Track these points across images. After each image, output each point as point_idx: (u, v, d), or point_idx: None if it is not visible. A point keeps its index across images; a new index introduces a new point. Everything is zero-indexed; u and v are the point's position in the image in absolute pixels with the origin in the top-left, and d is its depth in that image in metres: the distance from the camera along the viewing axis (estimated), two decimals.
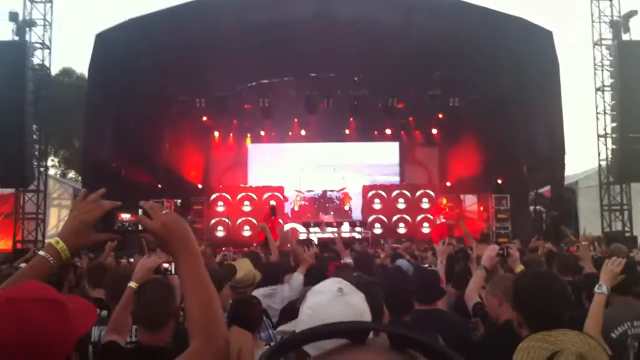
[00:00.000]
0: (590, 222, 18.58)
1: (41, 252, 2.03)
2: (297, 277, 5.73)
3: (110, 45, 17.41)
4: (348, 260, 7.02)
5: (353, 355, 0.83)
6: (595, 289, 3.74)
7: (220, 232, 22.20)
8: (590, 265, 5.72)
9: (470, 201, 24.09)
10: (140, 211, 1.87)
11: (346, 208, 22.93)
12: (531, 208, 21.02)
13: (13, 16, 17.87)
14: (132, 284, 3.52)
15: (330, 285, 1.94)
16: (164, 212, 1.85)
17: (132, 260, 9.74)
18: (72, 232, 2.03)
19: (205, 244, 9.59)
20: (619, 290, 4.17)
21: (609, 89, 18.79)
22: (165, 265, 3.83)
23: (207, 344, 1.74)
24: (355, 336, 0.85)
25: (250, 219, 22.31)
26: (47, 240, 14.54)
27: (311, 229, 20.50)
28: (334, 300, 1.87)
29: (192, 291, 1.80)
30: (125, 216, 1.99)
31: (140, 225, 1.89)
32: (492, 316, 4.10)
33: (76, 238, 2.04)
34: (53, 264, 2.00)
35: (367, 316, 1.94)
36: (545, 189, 20.25)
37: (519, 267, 4.92)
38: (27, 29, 18.18)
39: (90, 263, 6.04)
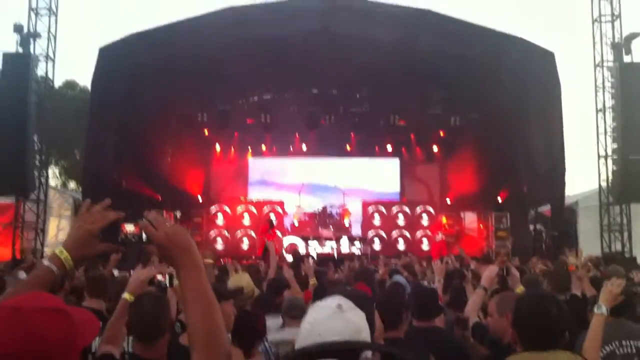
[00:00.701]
0: (589, 243, 18.55)
1: (45, 262, 2.03)
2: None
3: (114, 59, 17.49)
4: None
5: None
6: (595, 310, 3.73)
7: (219, 245, 22.14)
8: (588, 285, 5.70)
9: (470, 219, 24.05)
10: (144, 221, 1.86)
11: (346, 223, 22.89)
12: (531, 227, 20.99)
13: (18, 28, 17.96)
14: (126, 295, 3.52)
15: (330, 302, 1.95)
16: (167, 224, 1.85)
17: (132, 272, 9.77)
18: (77, 242, 2.05)
19: (212, 256, 9.58)
20: (613, 312, 4.18)
21: (610, 110, 18.82)
22: (160, 277, 3.83)
23: (208, 357, 1.73)
24: (346, 356, 0.85)
25: (249, 232, 22.32)
26: (49, 250, 14.57)
27: (310, 243, 20.46)
28: (333, 317, 1.88)
29: (193, 303, 1.78)
30: (130, 228, 2.01)
31: (144, 237, 1.90)
32: (496, 335, 4.09)
33: (80, 248, 2.06)
34: (57, 274, 2.01)
35: (365, 333, 1.93)
36: (546, 208, 20.23)
37: (520, 288, 4.92)
38: (32, 40, 18.26)
39: (89, 273, 6.02)
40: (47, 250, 18.91)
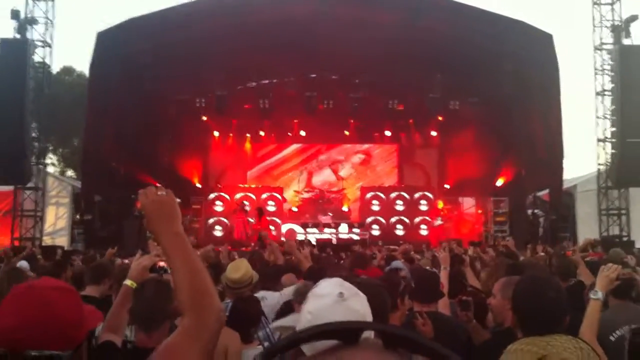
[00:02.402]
0: (588, 227, 18.60)
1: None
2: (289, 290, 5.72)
3: (111, 44, 17.41)
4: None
5: (344, 354, 0.82)
6: (591, 295, 3.73)
7: (218, 232, 22.18)
8: (585, 270, 5.71)
9: (468, 204, 24.07)
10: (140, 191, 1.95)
11: (344, 209, 22.92)
12: (529, 211, 21.01)
13: (15, 14, 17.90)
14: (128, 282, 3.50)
15: (331, 289, 1.91)
16: (159, 193, 1.92)
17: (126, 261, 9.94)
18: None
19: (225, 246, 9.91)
20: (616, 294, 4.18)
21: (609, 93, 18.79)
22: (162, 263, 3.82)
23: (197, 319, 1.73)
24: (347, 336, 0.84)
25: (248, 219, 22.37)
26: (48, 238, 14.85)
27: (309, 230, 20.50)
28: (335, 306, 1.85)
29: (178, 266, 1.81)
30: None
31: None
32: (498, 317, 4.08)
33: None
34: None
35: (368, 319, 1.93)
36: (544, 193, 20.24)
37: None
38: (29, 26, 18.19)
39: (90, 261, 6.09)
40: (45, 239, 18.94)
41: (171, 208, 1.90)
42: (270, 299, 5.45)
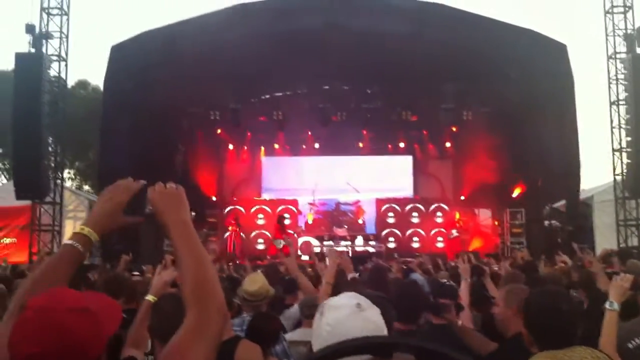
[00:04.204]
0: (605, 238, 18.46)
1: (67, 241, 2.07)
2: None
3: (126, 57, 17.54)
4: (352, 275, 6.92)
5: None
6: (607, 306, 3.69)
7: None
8: (604, 280, 5.66)
9: (484, 215, 23.94)
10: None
11: (360, 222, 22.84)
12: (546, 223, 20.88)
13: (30, 28, 18.06)
14: (150, 297, 3.51)
15: (347, 301, 1.93)
16: (167, 186, 2.00)
17: (144, 268, 9.92)
18: (103, 215, 2.12)
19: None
20: None
21: (623, 102, 18.69)
22: None
23: (199, 312, 1.72)
24: (380, 351, 0.84)
25: (264, 232, 22.38)
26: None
27: (325, 243, 20.44)
28: (353, 316, 1.86)
29: (184, 256, 1.82)
30: None
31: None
32: (501, 326, 4.05)
33: (107, 220, 2.13)
34: (82, 250, 2.05)
35: (384, 331, 1.93)
36: (561, 204, 20.10)
37: None
38: (44, 41, 18.37)
39: (106, 275, 6.08)
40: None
41: (178, 198, 1.98)
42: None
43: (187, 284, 1.79)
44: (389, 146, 24.29)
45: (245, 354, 3.66)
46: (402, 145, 24.05)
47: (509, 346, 3.72)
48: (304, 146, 24.02)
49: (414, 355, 0.82)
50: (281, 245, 18.93)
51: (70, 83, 27.66)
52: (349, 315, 1.87)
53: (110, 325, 1.67)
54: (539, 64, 18.00)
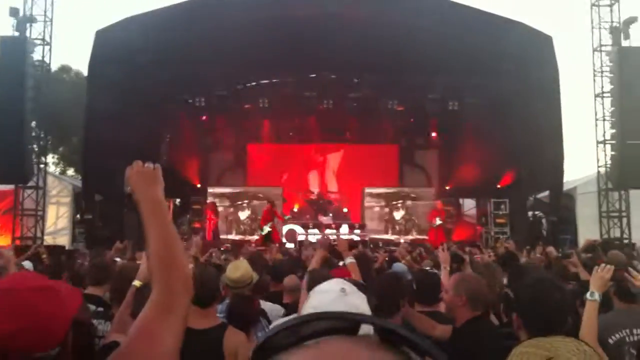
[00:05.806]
0: (588, 229, 18.60)
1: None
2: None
3: (111, 42, 17.37)
4: (349, 260, 6.91)
5: (343, 344, 0.80)
6: (587, 296, 3.72)
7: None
8: (584, 272, 5.71)
9: (468, 205, 24.05)
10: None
11: (345, 210, 22.88)
12: (530, 213, 21.01)
13: (14, 12, 17.89)
14: (136, 283, 3.50)
15: (333, 286, 1.97)
16: (145, 165, 2.00)
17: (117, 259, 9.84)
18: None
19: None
20: (623, 297, 4.18)
21: (608, 95, 18.80)
22: None
23: (164, 287, 1.72)
24: (345, 328, 0.83)
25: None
26: (49, 238, 14.55)
27: (310, 231, 20.47)
28: (337, 300, 1.89)
29: (153, 233, 1.82)
30: None
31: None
32: (449, 313, 4.09)
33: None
34: None
35: None
36: (544, 195, 20.23)
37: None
38: (28, 24, 18.18)
39: (93, 261, 6.03)
40: (47, 238, 18.92)
41: (153, 175, 1.97)
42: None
43: (153, 259, 1.79)
44: (375, 135, 24.30)
45: (232, 341, 3.68)
46: (388, 134, 24.07)
47: (464, 331, 3.79)
48: (290, 134, 24.00)
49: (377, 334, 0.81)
50: (266, 231, 18.94)
51: (54, 67, 27.43)
52: (333, 299, 1.90)
53: (72, 304, 1.67)
54: (525, 56, 18.05)
